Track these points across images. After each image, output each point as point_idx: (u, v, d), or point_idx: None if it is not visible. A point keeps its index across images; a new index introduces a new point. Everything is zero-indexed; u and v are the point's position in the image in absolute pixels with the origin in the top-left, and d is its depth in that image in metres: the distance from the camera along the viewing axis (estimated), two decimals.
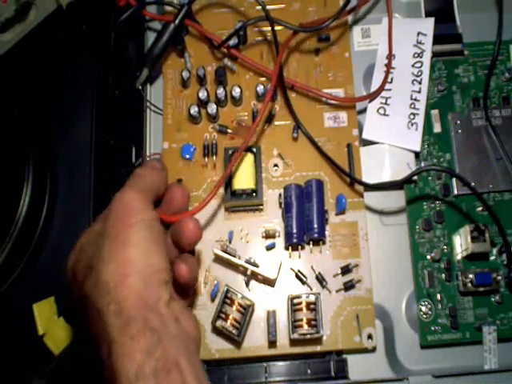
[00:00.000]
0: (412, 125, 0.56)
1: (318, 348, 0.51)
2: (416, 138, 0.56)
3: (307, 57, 0.59)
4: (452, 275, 0.53)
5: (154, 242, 0.42)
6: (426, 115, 0.57)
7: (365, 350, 0.52)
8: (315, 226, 0.52)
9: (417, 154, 0.56)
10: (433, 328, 0.52)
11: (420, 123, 0.56)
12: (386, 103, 0.57)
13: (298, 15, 0.60)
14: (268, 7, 0.56)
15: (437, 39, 0.59)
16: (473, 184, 0.55)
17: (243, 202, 0.54)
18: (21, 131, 0.56)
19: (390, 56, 0.58)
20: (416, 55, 0.58)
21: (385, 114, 0.57)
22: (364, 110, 0.58)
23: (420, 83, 0.57)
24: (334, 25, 0.58)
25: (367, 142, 0.56)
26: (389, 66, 0.58)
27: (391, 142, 0.55)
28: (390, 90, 0.57)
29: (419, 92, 0.57)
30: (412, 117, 0.56)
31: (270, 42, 0.60)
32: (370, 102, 0.57)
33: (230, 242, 0.54)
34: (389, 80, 0.57)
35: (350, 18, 0.61)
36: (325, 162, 0.56)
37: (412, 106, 0.56)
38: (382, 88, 0.57)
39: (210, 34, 0.58)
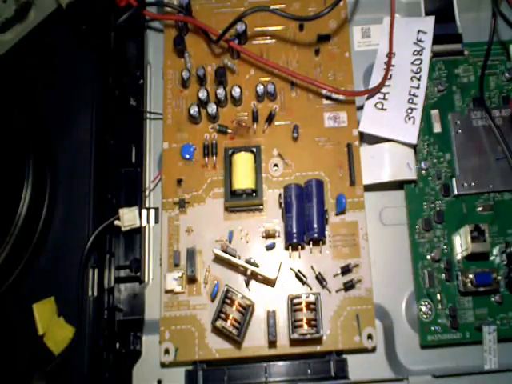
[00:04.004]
0: (409, 119, 0.56)
1: (318, 348, 0.51)
2: (413, 131, 0.56)
3: (307, 57, 0.59)
4: (452, 275, 0.53)
5: None
6: (423, 110, 0.57)
7: (365, 350, 0.52)
8: (315, 225, 0.52)
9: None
10: (433, 328, 0.52)
11: (418, 117, 0.56)
12: (384, 98, 0.57)
13: (298, 15, 0.60)
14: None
15: (437, 39, 0.59)
16: (473, 184, 0.55)
17: (243, 201, 0.54)
18: (21, 131, 0.56)
19: (390, 54, 0.58)
20: (416, 53, 0.58)
21: (382, 109, 0.57)
22: (363, 107, 0.57)
23: (419, 80, 0.57)
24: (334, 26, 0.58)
25: (364, 136, 0.56)
26: (389, 63, 0.58)
27: (388, 134, 0.55)
28: (388, 85, 0.57)
29: (418, 88, 0.57)
30: (410, 111, 0.56)
31: (270, 42, 0.60)
32: (368, 98, 0.57)
33: (230, 242, 0.54)
34: (388, 77, 0.57)
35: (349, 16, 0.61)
36: (325, 161, 0.56)
37: (410, 100, 0.56)
38: (382, 84, 0.57)
39: (208, 28, 0.58)
